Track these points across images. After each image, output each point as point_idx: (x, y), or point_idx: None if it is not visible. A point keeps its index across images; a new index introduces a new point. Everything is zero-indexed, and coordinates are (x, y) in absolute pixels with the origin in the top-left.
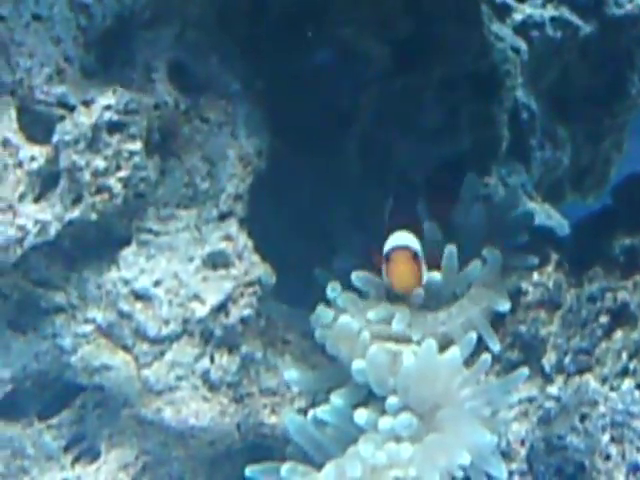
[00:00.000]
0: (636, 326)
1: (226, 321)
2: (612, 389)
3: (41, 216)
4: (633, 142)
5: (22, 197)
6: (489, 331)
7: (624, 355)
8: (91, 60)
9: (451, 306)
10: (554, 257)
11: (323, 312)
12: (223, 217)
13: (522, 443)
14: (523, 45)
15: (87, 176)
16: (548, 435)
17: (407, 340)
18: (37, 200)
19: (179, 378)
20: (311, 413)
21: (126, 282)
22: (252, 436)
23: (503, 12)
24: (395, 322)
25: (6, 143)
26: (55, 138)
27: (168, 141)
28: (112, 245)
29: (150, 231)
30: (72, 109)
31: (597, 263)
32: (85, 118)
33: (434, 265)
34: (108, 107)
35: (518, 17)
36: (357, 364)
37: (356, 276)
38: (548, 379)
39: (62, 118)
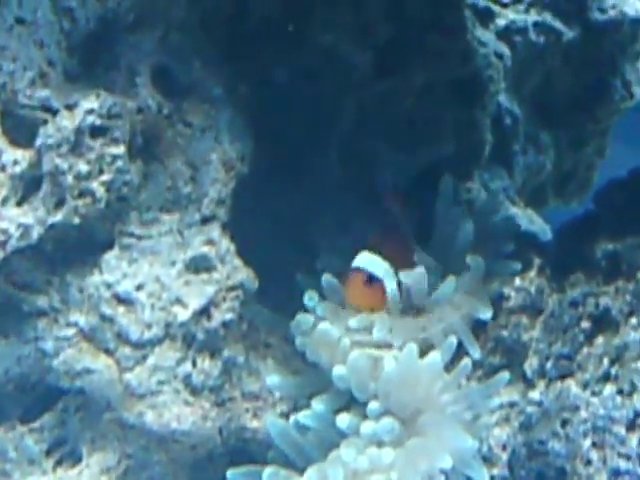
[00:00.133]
0: (618, 331)
1: (208, 325)
2: (594, 394)
3: (23, 220)
4: (616, 147)
5: (4, 201)
6: (470, 337)
7: (606, 360)
8: (74, 64)
9: (432, 312)
10: (536, 262)
11: (303, 319)
12: (206, 221)
13: (503, 448)
14: (506, 50)
15: (70, 180)
16: (529, 440)
17: (388, 347)
18: (20, 204)
19: (161, 382)
20: (293, 418)
21: (108, 286)
22: (234, 440)
23: (486, 17)
24: (376, 329)
25: None
26: (38, 142)
27: (151, 145)
28: (94, 249)
29: (132, 235)
30: (55, 113)
31: (579, 268)
32: (68, 122)
33: None
34: (91, 111)
35: (501, 22)
36: (338, 370)
37: (325, 281)
38: (530, 384)
39: (45, 122)
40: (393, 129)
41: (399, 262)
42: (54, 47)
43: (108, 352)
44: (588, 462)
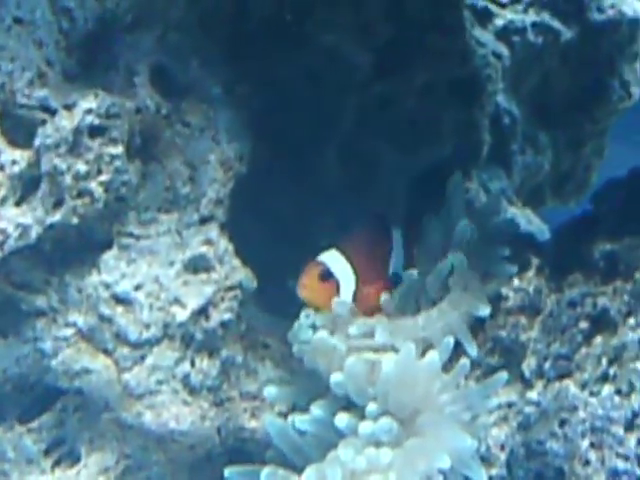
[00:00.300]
0: (616, 332)
1: (207, 325)
2: (592, 395)
3: (22, 220)
4: (614, 147)
5: (3, 201)
6: (468, 336)
7: (604, 361)
8: (73, 64)
9: (430, 311)
10: (534, 262)
11: (300, 330)
12: (204, 221)
13: (502, 448)
14: (505, 50)
15: (68, 180)
16: (528, 440)
17: (386, 350)
18: (18, 204)
19: (159, 382)
20: (291, 418)
21: (107, 286)
22: (232, 440)
23: (484, 18)
24: (378, 333)
25: None
26: (37, 142)
27: (149, 145)
28: (93, 249)
29: (131, 235)
30: (54, 113)
31: (577, 268)
32: (67, 122)
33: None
34: (89, 111)
35: (499, 22)
36: (335, 377)
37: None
38: (528, 384)
39: (44, 122)
40: (393, 129)
41: (366, 271)
42: (52, 47)
43: (107, 352)
44: (586, 462)
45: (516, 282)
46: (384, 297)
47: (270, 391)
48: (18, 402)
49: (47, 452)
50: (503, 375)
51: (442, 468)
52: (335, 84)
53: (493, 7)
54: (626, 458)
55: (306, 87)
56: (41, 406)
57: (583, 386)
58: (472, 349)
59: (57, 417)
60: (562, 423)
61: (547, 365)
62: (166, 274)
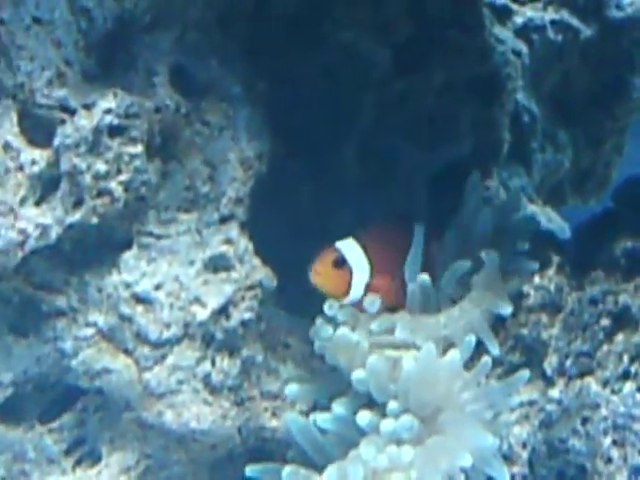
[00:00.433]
0: (637, 329)
1: (227, 324)
2: (613, 392)
3: (42, 220)
4: (634, 145)
5: (23, 201)
6: (489, 334)
7: (625, 358)
8: (92, 63)
9: (452, 309)
10: (555, 260)
11: (322, 325)
12: (224, 220)
13: (524, 446)
14: (524, 48)
15: (88, 179)
16: (550, 438)
17: (408, 347)
18: (38, 204)
19: (180, 381)
20: (312, 417)
21: (127, 285)
22: (253, 440)
23: (504, 15)
24: (399, 330)
25: (7, 147)
26: (56, 142)
27: (169, 144)
28: (113, 248)
29: (151, 234)
30: (73, 113)
31: (598, 266)
32: (86, 121)
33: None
34: (109, 111)
35: (519, 20)
36: (357, 374)
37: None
38: (549, 382)
39: (63, 122)
40: (412, 127)
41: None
42: (71, 47)
43: (127, 352)
44: (609, 460)
45: (537, 280)
46: (409, 293)
47: (291, 389)
48: (39, 402)
49: (68, 452)
50: (525, 373)
51: (464, 466)
52: (353, 81)
53: (512, 5)
54: None
55: (325, 85)
56: (62, 406)
57: (605, 384)
58: (494, 347)
59: (78, 417)
60: (584, 421)
61: (569, 363)
62: (186, 273)
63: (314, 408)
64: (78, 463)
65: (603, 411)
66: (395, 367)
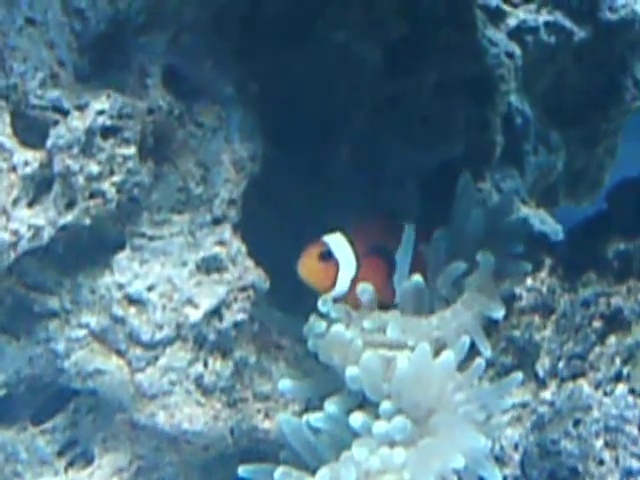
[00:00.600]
0: (629, 331)
1: (220, 326)
2: (606, 394)
3: (34, 221)
4: (626, 147)
5: (16, 202)
6: (481, 336)
7: (617, 360)
8: (85, 64)
9: (444, 311)
10: (548, 262)
11: (315, 322)
12: (217, 222)
13: (516, 448)
14: (517, 50)
15: (81, 181)
16: (542, 440)
17: (401, 347)
18: (31, 205)
19: (172, 383)
20: (304, 418)
21: (120, 287)
22: (245, 441)
23: (497, 17)
24: (390, 329)
25: (0, 148)
26: (49, 143)
27: (162, 146)
28: (106, 250)
29: (144, 236)
30: (66, 114)
31: (591, 268)
32: (79, 123)
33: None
34: (102, 112)
35: (512, 22)
36: (350, 371)
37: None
38: (542, 384)
39: (56, 123)
40: (405, 128)
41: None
42: (65, 48)
43: (119, 353)
44: (600, 462)
45: (529, 282)
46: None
47: (285, 384)
48: (31, 403)
49: (60, 453)
50: (518, 375)
51: (456, 468)
52: (346, 82)
53: (506, 7)
54: None
55: (317, 85)
56: (54, 407)
57: (597, 386)
58: (486, 349)
59: (70, 418)
60: (576, 423)
61: (561, 365)
62: (179, 275)
63: (306, 409)
64: (70, 464)
65: (595, 413)
66: (389, 366)
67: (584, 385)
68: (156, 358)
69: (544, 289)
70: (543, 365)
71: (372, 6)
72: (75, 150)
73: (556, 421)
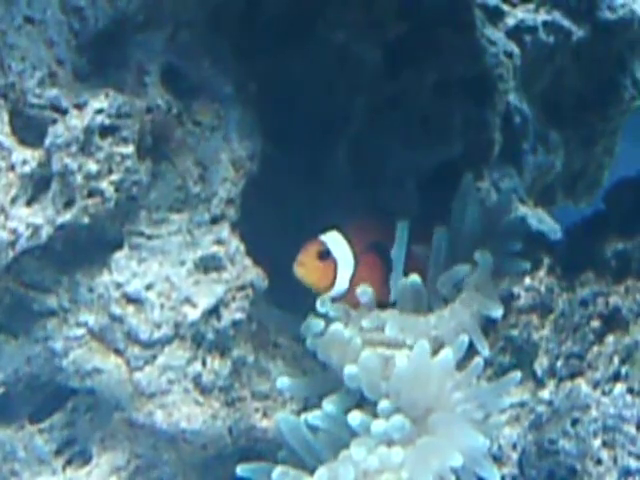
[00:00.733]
0: (628, 330)
1: (218, 325)
2: (604, 393)
3: (33, 219)
4: (625, 146)
5: (14, 200)
6: (479, 336)
7: (616, 359)
8: (84, 63)
9: (443, 310)
10: (546, 261)
11: (313, 321)
12: (215, 221)
13: (514, 447)
14: (516, 49)
15: (79, 179)
16: (540, 439)
17: (400, 346)
18: (29, 203)
19: (171, 382)
20: (303, 417)
21: (118, 285)
22: (244, 440)
23: (496, 17)
24: (388, 327)
25: None
26: (47, 141)
27: (160, 145)
28: (104, 248)
29: (142, 234)
30: (64, 112)
31: (589, 267)
32: (77, 121)
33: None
34: (100, 110)
35: (511, 22)
36: (349, 369)
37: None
38: (540, 383)
39: (54, 121)
40: (404, 127)
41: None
42: (63, 46)
43: (118, 352)
44: (598, 461)
45: (528, 281)
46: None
47: (283, 382)
48: (29, 402)
49: (58, 452)
50: (516, 375)
51: (454, 467)
52: (346, 82)
53: (504, 6)
54: (638, 457)
55: (316, 85)
56: (52, 406)
57: (595, 385)
58: (484, 348)
59: (68, 417)
60: (574, 422)
61: (559, 364)
62: (177, 274)
63: (305, 408)
64: (68, 463)
65: (593, 412)
66: (387, 365)
67: (582, 384)
68: (154, 357)
69: (542, 288)
70: (541, 364)
71: (372, 6)
72: (73, 149)
73: (554, 420)
